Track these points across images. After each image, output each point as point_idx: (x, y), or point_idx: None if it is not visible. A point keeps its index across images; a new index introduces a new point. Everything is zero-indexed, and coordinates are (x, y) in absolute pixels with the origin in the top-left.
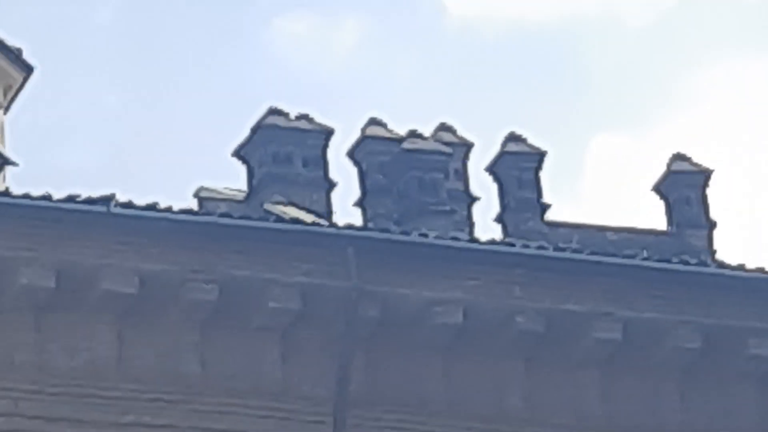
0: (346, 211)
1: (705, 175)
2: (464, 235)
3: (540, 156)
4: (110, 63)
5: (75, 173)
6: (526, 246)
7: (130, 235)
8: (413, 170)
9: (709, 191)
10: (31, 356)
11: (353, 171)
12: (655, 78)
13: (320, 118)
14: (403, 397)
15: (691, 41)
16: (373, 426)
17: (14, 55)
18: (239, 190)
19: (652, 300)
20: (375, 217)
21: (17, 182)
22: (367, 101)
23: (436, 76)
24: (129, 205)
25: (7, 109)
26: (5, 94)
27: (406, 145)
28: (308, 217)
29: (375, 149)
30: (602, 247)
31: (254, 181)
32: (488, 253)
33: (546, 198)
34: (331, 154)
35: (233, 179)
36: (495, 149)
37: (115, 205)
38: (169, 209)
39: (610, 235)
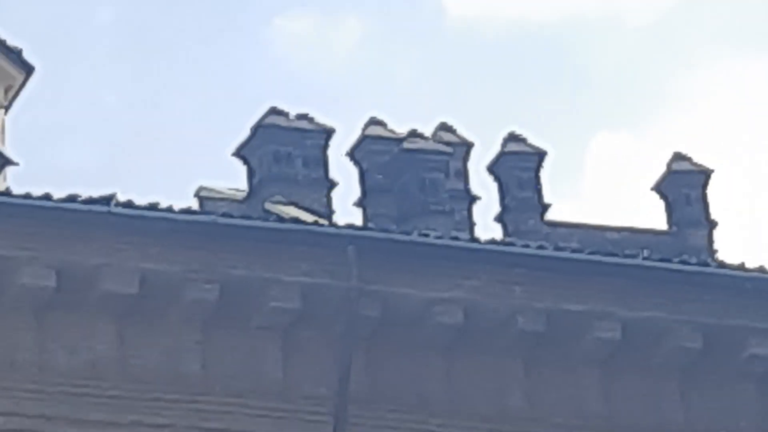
0: (346, 210)
1: (705, 174)
2: (464, 235)
3: (540, 156)
4: (111, 62)
5: (75, 173)
6: (526, 246)
7: (130, 234)
8: (413, 170)
9: (709, 191)
10: (31, 356)
11: (353, 171)
12: (655, 78)
13: (320, 118)
14: (404, 396)
15: (691, 41)
16: (374, 425)
17: (15, 55)
18: (239, 190)
19: (652, 299)
20: (375, 216)
21: (18, 182)
22: (368, 101)
23: (436, 76)
24: (129, 204)
25: (7, 109)
26: (6, 94)
27: (406, 144)
28: (308, 217)
29: (375, 149)
30: (602, 247)
31: (254, 181)
32: (488, 253)
33: (546, 198)
34: (331, 153)
35: (234, 179)
36: (495, 149)
37: (116, 205)
38: (169, 209)
39: (610, 234)
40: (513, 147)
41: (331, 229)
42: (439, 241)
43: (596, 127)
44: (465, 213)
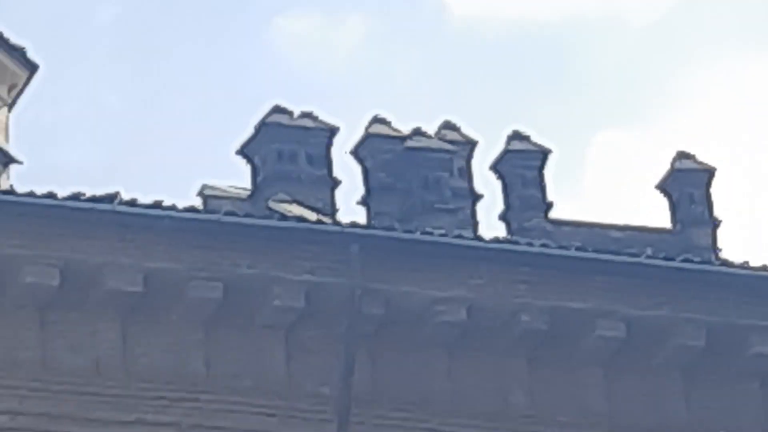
0: (350, 209)
1: (709, 173)
2: (468, 233)
3: (544, 154)
4: (114, 61)
5: (79, 171)
6: (529, 244)
7: (134, 233)
8: (417, 168)
9: (712, 189)
10: (35, 354)
11: (357, 169)
12: (657, 76)
13: (324, 117)
14: (407, 394)
15: (693, 40)
16: (377, 424)
17: (18, 54)
18: (243, 189)
19: (655, 298)
20: (379, 215)
21: (21, 180)
22: (371, 99)
23: (439, 75)
24: (133, 203)
25: (11, 107)
26: (9, 92)
27: (410, 143)
28: (312, 215)
29: (379, 147)
30: (606, 245)
31: (258, 179)
32: (492, 252)
33: (550, 196)
34: (335, 152)
35: (237, 177)
36: (499, 147)
37: (120, 203)
38: (173, 207)
39: (613, 233)
40: (517, 145)
41: (335, 228)
42: (442, 240)
43: (599, 126)
44: (468, 211)
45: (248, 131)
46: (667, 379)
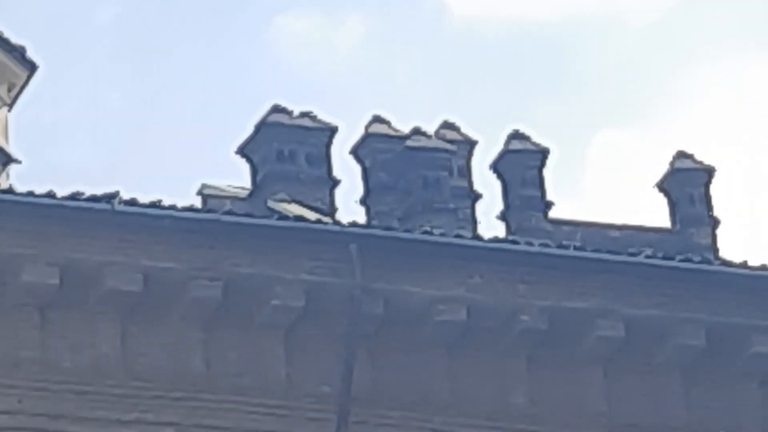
0: (349, 208)
1: (708, 172)
2: (468, 233)
3: (543, 154)
4: (113, 61)
5: (78, 171)
6: (529, 244)
7: (134, 232)
8: (417, 168)
9: (712, 189)
10: (35, 354)
11: (357, 169)
12: (657, 76)
13: (324, 116)
14: (407, 394)
15: (693, 40)
16: (377, 423)
17: (18, 53)
18: (243, 188)
19: (655, 297)
20: (378, 214)
21: (21, 180)
22: (371, 99)
23: (439, 74)
24: (133, 202)
25: (10, 107)
26: (9, 92)
27: (409, 142)
28: (312, 215)
29: (378, 147)
30: (605, 245)
31: (258, 179)
32: (492, 251)
33: (549, 196)
34: (334, 151)
35: (237, 177)
36: (498, 147)
37: (119, 203)
38: (173, 207)
39: (613, 232)
40: (516, 145)
41: (335, 227)
42: (442, 239)
43: (598, 126)
44: (468, 211)
45: (248, 131)
46: (666, 379)
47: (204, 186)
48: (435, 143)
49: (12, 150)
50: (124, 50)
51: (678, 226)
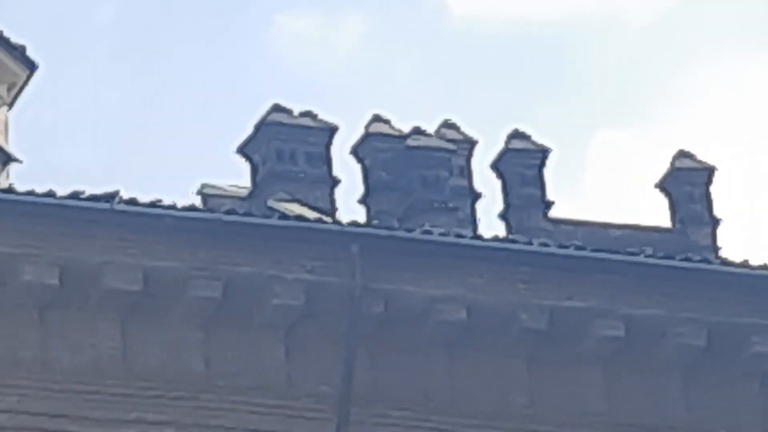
0: (349, 208)
1: (708, 172)
2: (468, 232)
3: (543, 153)
4: (113, 60)
5: (78, 170)
6: (529, 243)
7: (134, 232)
8: (417, 167)
9: (712, 188)
10: (34, 353)
11: (357, 168)
12: (657, 76)
13: (324, 116)
14: (407, 394)
15: (693, 39)
16: (377, 423)
17: (18, 52)
18: (243, 187)
19: (655, 297)
20: (379, 214)
21: (20, 179)
22: (371, 98)
23: (439, 74)
24: (133, 202)
25: (10, 106)
26: (9, 91)
27: (409, 142)
28: (312, 214)
29: (379, 146)
30: (605, 244)
31: (258, 178)
32: (492, 250)
33: (549, 195)
34: (334, 151)
35: (237, 176)
36: (499, 146)
37: (119, 202)
38: (173, 206)
39: (613, 232)
40: (517, 144)
41: (335, 227)
42: (442, 239)
43: (598, 125)
44: (468, 210)
45: (248, 130)
46: (666, 379)
47: (204, 185)
48: (435, 142)
49: (12, 149)
50: (123, 50)
51: (678, 226)
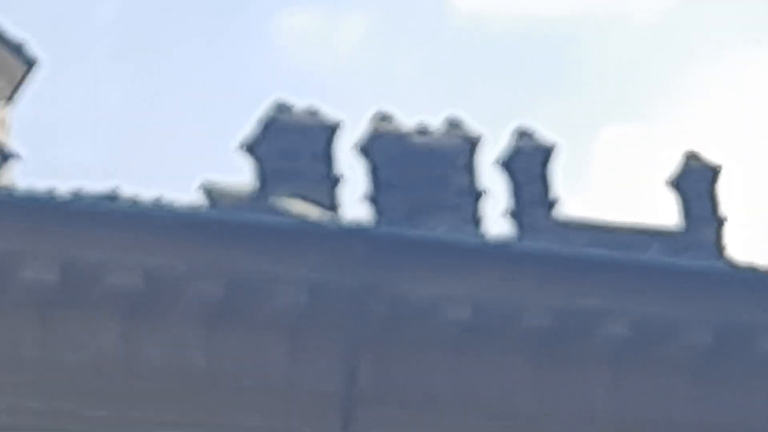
0: (353, 205)
1: (715, 171)
2: (473, 231)
3: (550, 150)
4: (115, 58)
5: (79, 167)
6: (535, 242)
7: (135, 230)
8: (421, 165)
9: (719, 187)
10: (35, 351)
11: (361, 165)
12: (663, 74)
13: (327, 113)
14: (411, 393)
15: (698, 36)
16: (381, 422)
17: (18, 48)
18: (245, 185)
19: (661, 296)
20: (383, 212)
21: (22, 176)
22: (374, 95)
23: (443, 71)
24: (134, 200)
25: (11, 103)
26: (9, 88)
27: (414, 139)
28: (315, 212)
29: (383, 144)
30: (612, 243)
31: (261, 176)
32: (497, 249)
33: (556, 193)
34: (338, 148)
35: (239, 174)
36: (504, 143)
37: (121, 200)
38: (175, 204)
39: (619, 231)
40: (522, 142)
41: (339, 225)
42: (447, 237)
43: (604, 123)
44: (473, 208)
45: (251, 127)
46: (673, 378)
47: (206, 183)
48: (440, 140)
49: (13, 146)
50: (125, 47)
51: (685, 225)
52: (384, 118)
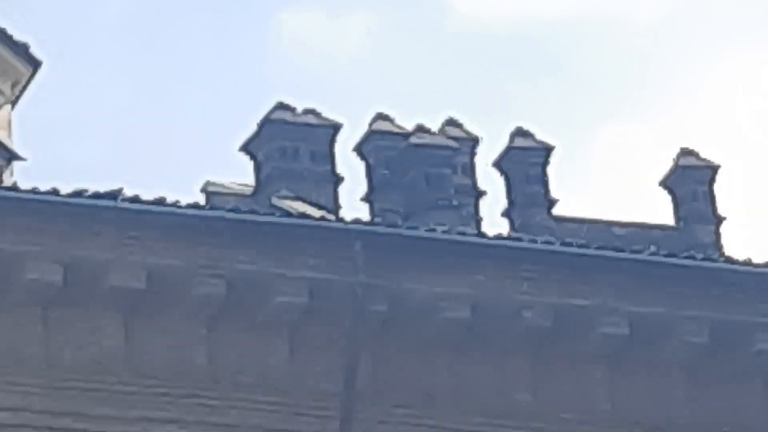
0: (353, 205)
1: (712, 169)
2: (471, 230)
3: (547, 151)
4: (117, 58)
5: (82, 168)
6: (533, 241)
7: (137, 229)
8: (420, 165)
9: (716, 186)
10: (38, 351)
11: (360, 166)
12: (661, 73)
13: (327, 113)
14: (410, 391)
15: (697, 37)
16: (380, 420)
17: (21, 50)
18: (246, 185)
19: (659, 295)
20: (382, 211)
21: (25, 177)
22: (374, 96)
23: (442, 71)
24: (136, 199)
25: (14, 104)
26: (13, 89)
27: (413, 139)
28: (315, 212)
29: (382, 144)
30: (609, 242)
31: (261, 176)
32: (495, 248)
33: (553, 193)
34: (338, 148)
35: (240, 174)
36: (502, 144)
37: (123, 200)
38: (176, 204)
39: (617, 229)
40: (520, 142)
41: (338, 225)
42: (445, 237)
43: (602, 122)
44: (472, 208)
45: (251, 128)
46: (670, 376)
47: (208, 183)
48: (438, 140)
49: (16, 147)
50: (127, 47)
51: (682, 224)
52: (383, 118)
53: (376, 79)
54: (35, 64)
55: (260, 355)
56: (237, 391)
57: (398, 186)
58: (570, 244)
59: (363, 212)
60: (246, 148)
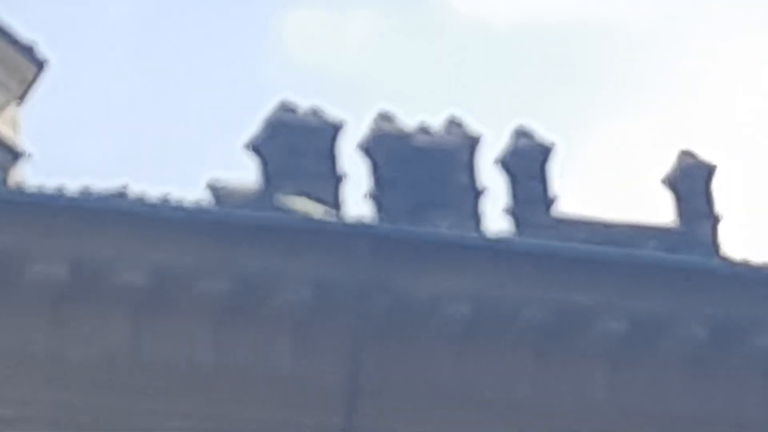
0: (356, 204)
1: (711, 169)
2: (473, 228)
3: (548, 149)
4: (123, 56)
5: (88, 166)
6: (534, 239)
7: (143, 227)
8: (423, 163)
9: (714, 185)
10: (46, 347)
11: (364, 164)
12: (659, 72)
13: (331, 111)
14: (414, 387)
15: (698, 37)
16: (384, 416)
17: (28, 50)
18: (251, 183)
19: (658, 292)
20: (385, 209)
21: (32, 175)
22: (377, 95)
23: (445, 70)
24: (142, 197)
25: (22, 103)
26: (20, 87)
27: (415, 138)
28: (320, 210)
29: (385, 142)
30: (609, 240)
31: (266, 174)
32: (497, 246)
33: (554, 191)
34: (342, 147)
35: (245, 172)
36: (504, 142)
37: (129, 198)
38: (182, 201)
39: (617, 227)
40: (522, 140)
41: (342, 222)
42: (448, 234)
43: (602, 121)
44: (474, 206)
45: (256, 126)
46: (670, 372)
47: (213, 181)
48: (441, 138)
49: (23, 145)
50: (133, 45)
51: (681, 222)
52: (386, 117)
53: (379, 78)
54: (41, 64)
55: (265, 350)
56: (242, 386)
57: (401, 184)
58: (571, 242)
59: (366, 210)
60: (251, 146)
